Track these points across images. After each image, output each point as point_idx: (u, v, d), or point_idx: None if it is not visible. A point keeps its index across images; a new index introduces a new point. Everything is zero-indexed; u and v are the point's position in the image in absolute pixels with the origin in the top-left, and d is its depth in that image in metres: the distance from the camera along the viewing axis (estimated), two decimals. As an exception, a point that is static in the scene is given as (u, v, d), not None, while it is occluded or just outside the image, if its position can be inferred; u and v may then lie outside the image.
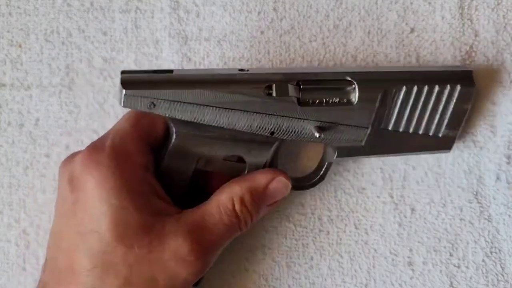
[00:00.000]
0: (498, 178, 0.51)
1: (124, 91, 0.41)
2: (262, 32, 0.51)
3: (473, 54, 0.51)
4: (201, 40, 0.51)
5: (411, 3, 0.51)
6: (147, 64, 0.51)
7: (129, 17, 0.52)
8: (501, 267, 0.51)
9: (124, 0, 0.52)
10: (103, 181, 0.41)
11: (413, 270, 0.51)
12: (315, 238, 0.51)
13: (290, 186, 0.46)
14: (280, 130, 0.44)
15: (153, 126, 0.45)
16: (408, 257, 0.51)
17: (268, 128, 0.44)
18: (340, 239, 0.51)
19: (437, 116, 0.47)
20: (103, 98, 0.52)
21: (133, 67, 0.51)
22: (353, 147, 0.46)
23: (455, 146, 0.50)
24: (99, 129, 0.51)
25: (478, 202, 0.51)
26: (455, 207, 0.51)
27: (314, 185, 0.49)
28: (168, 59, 0.51)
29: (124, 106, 0.42)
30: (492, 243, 0.51)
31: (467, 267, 0.51)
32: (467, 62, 0.51)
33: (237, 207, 0.44)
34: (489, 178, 0.51)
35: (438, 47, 0.51)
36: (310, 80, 0.45)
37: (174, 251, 0.41)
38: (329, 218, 0.51)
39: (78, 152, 0.44)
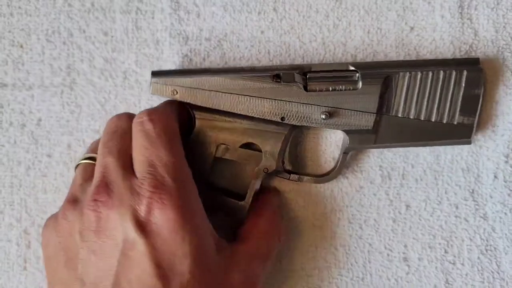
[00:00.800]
0: (495, 177, 0.51)
1: (152, 79, 0.47)
2: (262, 32, 0.51)
3: (473, 53, 0.51)
4: (201, 40, 0.51)
5: (411, 3, 0.51)
6: (148, 65, 0.52)
7: (129, 18, 0.52)
8: (496, 265, 0.51)
9: (124, 1, 0.52)
10: (179, 222, 0.40)
11: (408, 266, 0.51)
12: (310, 231, 0.52)
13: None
14: (289, 115, 0.47)
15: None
16: (403, 253, 0.52)
17: (278, 113, 0.47)
18: (334, 233, 0.52)
19: (448, 102, 0.48)
20: (104, 98, 0.52)
21: (134, 67, 0.52)
22: (365, 135, 0.48)
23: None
24: (101, 129, 0.51)
25: (474, 200, 0.51)
26: (451, 205, 0.51)
27: (327, 174, 0.51)
28: (169, 60, 0.51)
29: (152, 93, 0.47)
30: (487, 241, 0.51)
31: (462, 264, 0.51)
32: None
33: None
34: (487, 176, 0.51)
35: (438, 46, 0.51)
36: (315, 70, 0.48)
37: (238, 285, 0.43)
38: (323, 213, 0.52)
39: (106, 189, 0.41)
